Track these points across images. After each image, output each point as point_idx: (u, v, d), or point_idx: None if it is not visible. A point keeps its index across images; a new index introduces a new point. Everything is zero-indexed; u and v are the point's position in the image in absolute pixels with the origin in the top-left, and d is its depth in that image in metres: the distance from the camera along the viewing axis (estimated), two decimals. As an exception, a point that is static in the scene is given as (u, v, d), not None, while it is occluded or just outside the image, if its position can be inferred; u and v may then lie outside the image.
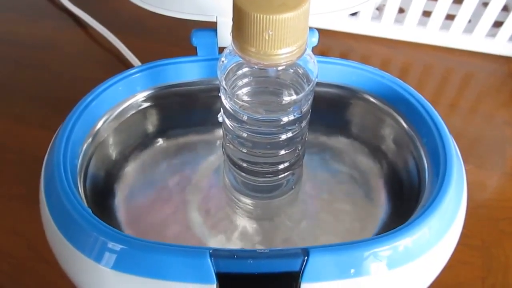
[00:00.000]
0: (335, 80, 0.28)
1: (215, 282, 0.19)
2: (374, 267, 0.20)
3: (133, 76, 0.27)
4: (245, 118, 0.22)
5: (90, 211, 0.21)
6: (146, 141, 0.30)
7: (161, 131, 0.30)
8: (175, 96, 0.29)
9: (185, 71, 0.28)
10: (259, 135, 0.23)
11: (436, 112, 0.25)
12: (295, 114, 0.22)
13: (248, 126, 0.23)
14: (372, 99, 0.28)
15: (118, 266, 0.20)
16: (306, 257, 0.19)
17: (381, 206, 0.27)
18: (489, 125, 0.44)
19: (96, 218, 0.21)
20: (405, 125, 0.27)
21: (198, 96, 0.29)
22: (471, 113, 0.46)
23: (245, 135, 0.23)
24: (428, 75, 0.49)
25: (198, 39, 0.27)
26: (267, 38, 0.18)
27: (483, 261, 0.35)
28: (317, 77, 0.22)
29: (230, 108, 0.22)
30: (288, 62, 0.20)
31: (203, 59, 0.27)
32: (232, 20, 0.20)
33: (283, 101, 0.22)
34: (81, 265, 0.21)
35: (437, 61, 0.50)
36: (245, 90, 0.22)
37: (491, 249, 0.35)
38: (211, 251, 0.19)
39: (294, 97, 0.22)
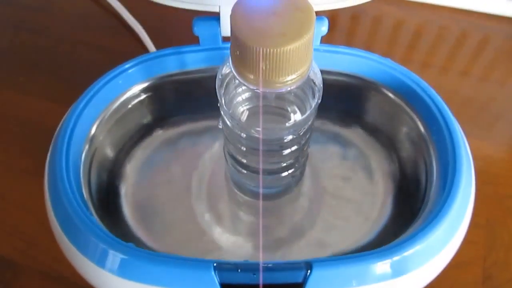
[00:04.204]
0: (344, 69, 0.27)
1: (219, 293, 0.20)
2: (376, 278, 0.20)
3: (132, 69, 0.26)
4: (244, 136, 0.22)
5: (95, 220, 0.21)
6: (149, 131, 0.30)
7: (163, 120, 0.30)
8: (176, 84, 0.28)
9: (187, 61, 0.27)
10: (258, 150, 0.22)
11: (448, 110, 0.25)
12: (294, 135, 0.21)
13: (246, 142, 0.22)
14: (386, 92, 0.27)
15: (123, 273, 0.20)
16: (309, 270, 0.20)
17: (385, 205, 0.27)
18: (500, 92, 0.43)
19: (101, 227, 0.21)
20: (418, 120, 0.26)
21: (200, 84, 0.28)
22: (483, 80, 0.44)
23: (244, 148, 0.23)
24: (442, 39, 0.47)
25: (200, 29, 0.25)
26: (264, 68, 0.17)
27: (485, 240, 0.35)
28: (320, 97, 0.21)
29: (230, 123, 0.22)
30: (287, 89, 0.19)
31: (205, 49, 0.26)
32: (230, 45, 0.18)
33: (286, 122, 0.21)
34: (86, 267, 0.22)
35: (453, 23, 0.48)
36: (245, 106, 0.21)
37: (495, 227, 0.35)
38: (215, 264, 0.20)
39: (292, 121, 0.21)
